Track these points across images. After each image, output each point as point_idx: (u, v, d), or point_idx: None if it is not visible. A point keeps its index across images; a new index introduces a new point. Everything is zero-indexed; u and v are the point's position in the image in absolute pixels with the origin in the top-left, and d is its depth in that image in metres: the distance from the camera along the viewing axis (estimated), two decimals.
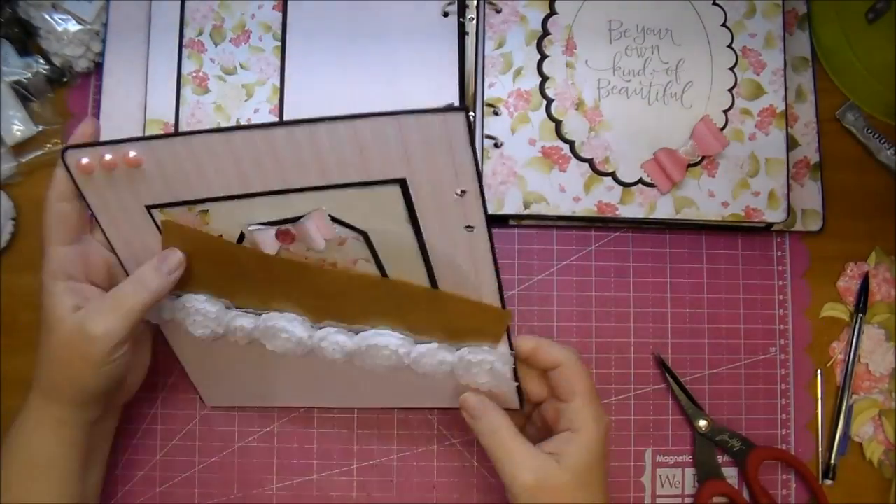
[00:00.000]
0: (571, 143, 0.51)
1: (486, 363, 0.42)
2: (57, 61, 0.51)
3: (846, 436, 0.52)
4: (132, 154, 0.39)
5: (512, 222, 0.52)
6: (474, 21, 0.52)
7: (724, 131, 0.51)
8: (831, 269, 0.54)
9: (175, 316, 0.44)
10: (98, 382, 0.40)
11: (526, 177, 0.51)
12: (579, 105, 0.51)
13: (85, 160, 0.40)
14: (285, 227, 0.40)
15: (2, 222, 0.50)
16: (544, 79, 0.51)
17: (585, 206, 0.51)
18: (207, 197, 0.40)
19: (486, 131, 0.51)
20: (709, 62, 0.52)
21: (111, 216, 0.42)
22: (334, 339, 0.43)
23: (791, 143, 0.53)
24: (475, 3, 0.52)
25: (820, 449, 0.52)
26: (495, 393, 0.44)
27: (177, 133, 0.44)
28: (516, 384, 0.44)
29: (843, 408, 0.53)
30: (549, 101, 0.51)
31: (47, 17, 0.50)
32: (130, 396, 0.46)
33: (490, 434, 0.42)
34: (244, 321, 0.43)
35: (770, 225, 0.52)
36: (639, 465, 0.51)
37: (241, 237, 0.41)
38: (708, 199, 0.51)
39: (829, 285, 0.54)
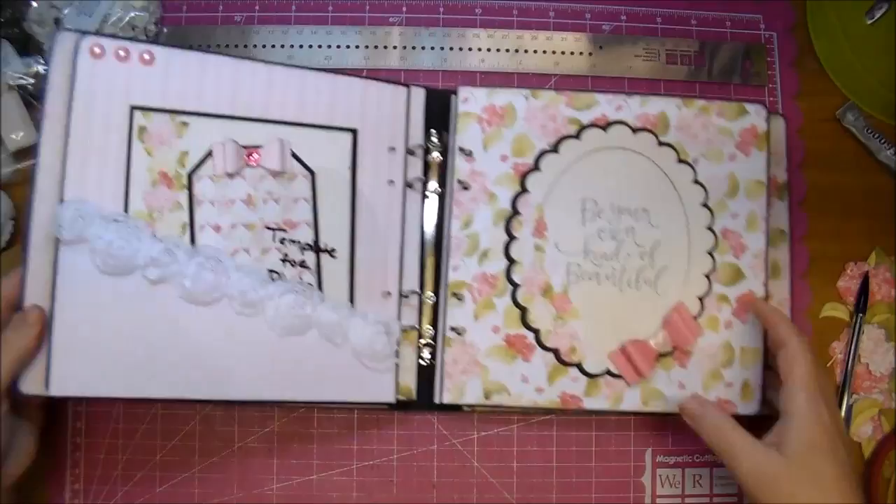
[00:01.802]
0: (537, 332, 0.49)
1: (382, 326, 0.47)
2: None
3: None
4: (148, 53, 0.44)
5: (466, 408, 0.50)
6: (438, 196, 0.50)
7: (699, 319, 0.49)
8: (831, 269, 0.54)
9: (85, 234, 0.42)
10: None
11: (488, 366, 0.48)
12: (546, 291, 0.49)
13: (98, 48, 0.43)
14: (252, 147, 0.46)
15: (2, 222, 0.50)
16: (511, 262, 0.49)
17: (548, 398, 0.48)
18: (194, 111, 0.45)
19: (450, 321, 0.48)
20: (686, 245, 0.50)
21: (88, 108, 0.43)
22: (253, 281, 0.45)
23: None
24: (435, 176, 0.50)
25: None
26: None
27: (196, 48, 0.49)
28: (395, 360, 0.48)
29: (843, 407, 0.53)
30: (516, 287, 0.49)
31: (51, 34, 0.50)
32: (9, 483, 0.42)
33: (712, 431, 0.44)
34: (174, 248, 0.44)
35: None
36: (639, 465, 0.51)
37: (208, 155, 0.45)
38: (678, 390, 0.49)
39: (829, 285, 0.54)
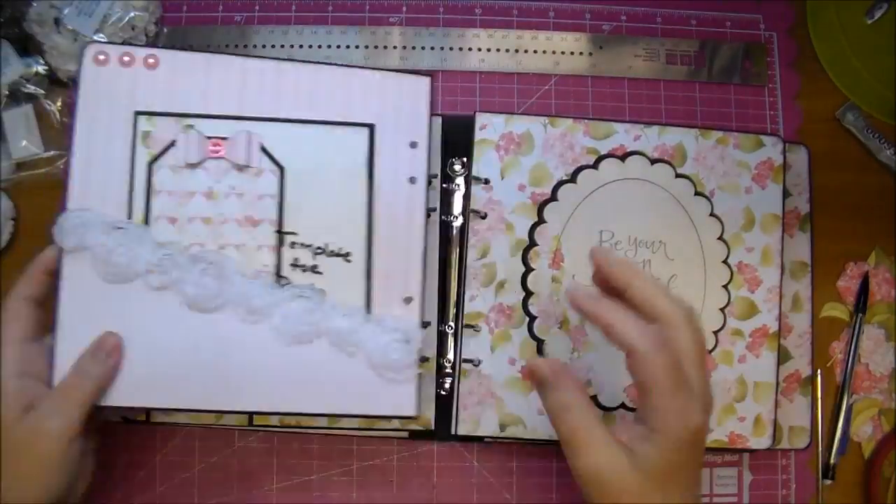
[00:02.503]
0: None
1: (400, 333, 0.43)
2: (61, 76, 0.51)
3: (846, 435, 0.53)
4: (153, 57, 0.44)
5: (487, 439, 0.50)
6: (458, 225, 0.49)
7: (713, 353, 0.49)
8: (831, 269, 0.54)
9: (86, 241, 0.42)
10: (56, 481, 0.39)
11: (504, 398, 0.48)
12: (563, 323, 0.49)
13: (102, 55, 0.43)
14: (218, 138, 0.44)
15: (1, 222, 0.50)
16: (528, 294, 0.49)
17: None
18: (199, 113, 0.44)
19: (464, 353, 0.48)
20: (702, 279, 0.50)
21: (91, 119, 0.43)
22: (258, 286, 0.43)
23: (782, 356, 0.51)
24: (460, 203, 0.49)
25: (820, 449, 0.52)
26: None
27: (197, 48, 0.48)
28: (417, 370, 0.44)
29: (843, 407, 0.53)
30: (532, 319, 0.48)
31: (51, 34, 0.50)
32: None
33: (561, 411, 0.37)
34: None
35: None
36: None
37: (171, 144, 0.44)
38: None
39: (829, 285, 0.54)
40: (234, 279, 0.43)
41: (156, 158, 0.44)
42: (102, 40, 0.50)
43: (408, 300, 0.45)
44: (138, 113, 0.44)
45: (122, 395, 0.42)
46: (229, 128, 0.44)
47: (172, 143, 0.44)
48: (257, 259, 0.44)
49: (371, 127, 0.45)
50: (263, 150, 0.44)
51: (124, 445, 0.50)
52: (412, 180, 0.45)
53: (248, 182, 0.44)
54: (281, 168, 0.44)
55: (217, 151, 0.44)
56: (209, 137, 0.44)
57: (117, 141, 0.43)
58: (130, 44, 0.45)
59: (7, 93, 0.51)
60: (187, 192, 0.44)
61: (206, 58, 0.45)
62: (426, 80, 0.46)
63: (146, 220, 0.43)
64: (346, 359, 0.44)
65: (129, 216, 0.43)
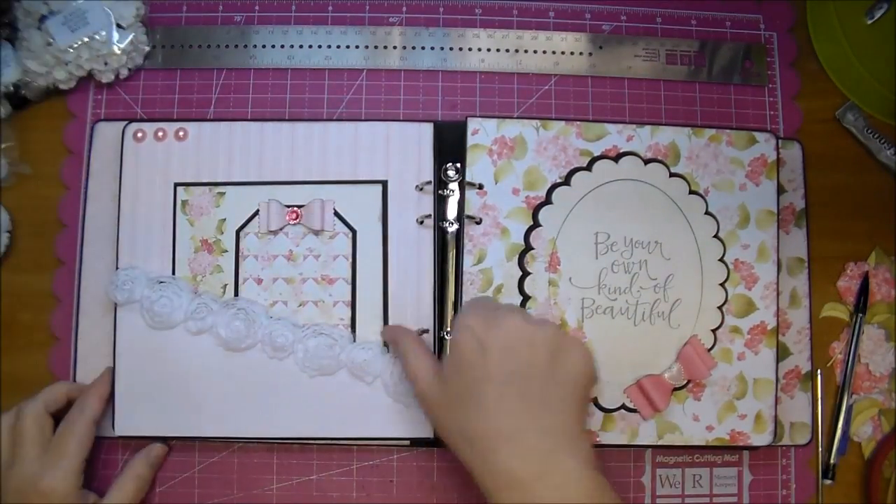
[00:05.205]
0: None
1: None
2: (41, 81, 0.51)
3: (846, 435, 0.53)
4: (182, 130, 0.49)
5: None
6: (453, 231, 0.49)
7: (712, 351, 0.49)
8: (831, 269, 0.54)
9: (134, 295, 0.48)
10: None
11: None
12: (561, 327, 0.49)
13: (140, 133, 0.49)
14: (295, 206, 0.49)
15: (1, 223, 0.50)
16: (525, 298, 0.49)
17: None
18: (227, 181, 0.49)
19: None
20: (699, 278, 0.50)
21: (135, 189, 0.49)
22: (282, 326, 0.48)
23: (782, 352, 0.51)
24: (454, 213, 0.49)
25: (820, 449, 0.52)
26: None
27: (222, 119, 0.52)
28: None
29: (843, 407, 0.53)
30: None
31: (31, 28, 0.50)
32: None
33: (402, 357, 0.45)
34: (210, 301, 0.48)
35: None
36: (639, 465, 0.51)
37: (255, 214, 0.49)
38: (692, 423, 0.49)
39: (829, 285, 0.54)
40: (261, 321, 0.48)
41: (242, 226, 0.49)
42: (69, 56, 0.50)
43: (421, 332, 0.48)
44: (177, 184, 0.49)
45: (169, 427, 0.48)
46: (257, 195, 0.49)
47: (256, 213, 0.49)
48: (334, 314, 0.49)
49: (384, 183, 0.49)
50: (337, 214, 0.49)
51: (124, 446, 0.50)
52: (420, 222, 0.49)
53: (323, 244, 0.49)
54: (353, 230, 0.49)
55: (295, 219, 0.48)
56: (287, 206, 0.49)
57: (158, 208, 0.49)
58: (158, 120, 0.51)
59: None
60: (271, 255, 0.49)
61: (228, 126, 0.50)
62: (430, 126, 0.50)
63: (236, 283, 0.49)
64: (365, 387, 0.48)
65: (174, 272, 0.48)
